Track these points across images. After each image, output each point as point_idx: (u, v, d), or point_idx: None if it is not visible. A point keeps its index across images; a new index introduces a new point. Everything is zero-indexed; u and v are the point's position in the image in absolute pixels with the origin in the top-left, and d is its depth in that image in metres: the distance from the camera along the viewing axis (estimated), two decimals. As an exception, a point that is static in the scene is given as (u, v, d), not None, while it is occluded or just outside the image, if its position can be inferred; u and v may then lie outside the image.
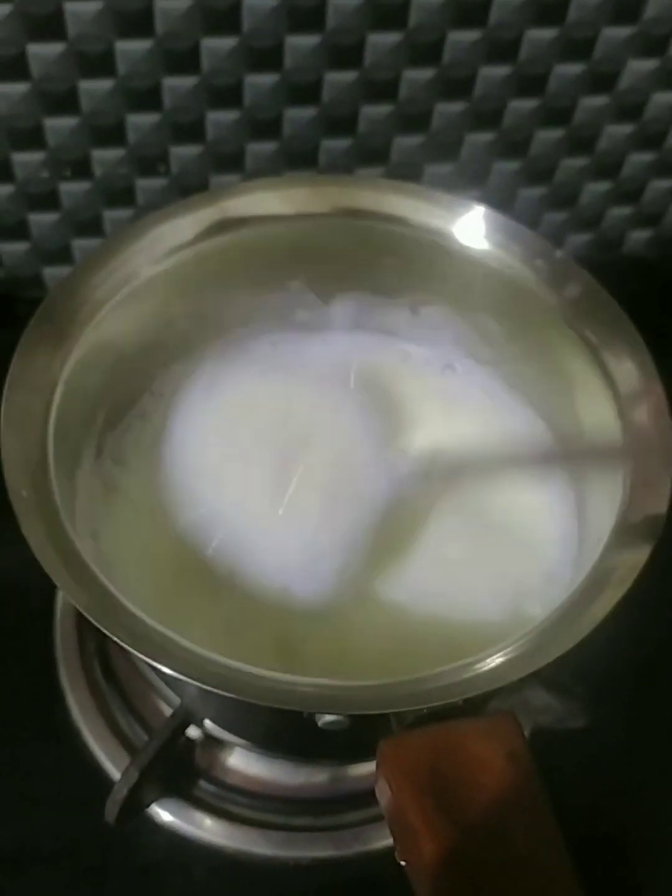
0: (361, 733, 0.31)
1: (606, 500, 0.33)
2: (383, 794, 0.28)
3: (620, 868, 0.42)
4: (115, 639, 0.29)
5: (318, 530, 0.38)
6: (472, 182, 0.60)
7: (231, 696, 0.28)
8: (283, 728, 0.36)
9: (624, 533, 0.32)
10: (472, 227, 0.40)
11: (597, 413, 0.36)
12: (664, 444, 0.33)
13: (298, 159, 0.57)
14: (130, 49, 0.49)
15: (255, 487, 0.39)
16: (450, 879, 0.26)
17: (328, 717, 0.30)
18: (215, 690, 0.28)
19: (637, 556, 0.31)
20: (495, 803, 0.27)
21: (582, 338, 0.36)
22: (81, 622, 0.46)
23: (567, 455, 0.40)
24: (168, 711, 0.42)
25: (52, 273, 0.60)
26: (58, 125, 0.52)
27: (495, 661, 0.30)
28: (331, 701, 0.29)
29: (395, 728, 0.29)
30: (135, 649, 0.29)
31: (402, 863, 0.28)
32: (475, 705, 0.30)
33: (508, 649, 0.30)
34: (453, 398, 0.43)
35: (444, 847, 0.26)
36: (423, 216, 0.40)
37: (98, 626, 0.29)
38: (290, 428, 0.41)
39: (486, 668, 0.29)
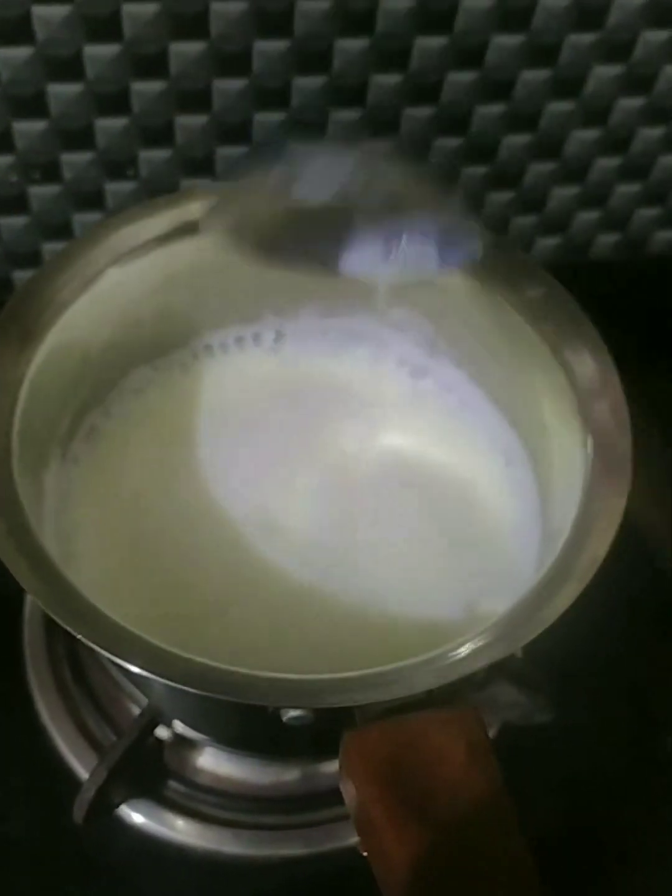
0: (327, 729, 0.31)
1: (567, 496, 0.34)
2: (346, 787, 0.29)
3: (588, 857, 0.43)
4: (80, 636, 0.29)
5: (285, 529, 0.38)
6: (441, 186, 0.61)
7: (195, 691, 0.29)
8: (250, 725, 0.36)
9: (585, 527, 0.32)
10: (434, 228, 0.40)
11: (559, 410, 0.36)
12: (623, 439, 0.34)
13: (268, 163, 0.57)
14: (99, 53, 0.49)
15: (223, 488, 0.40)
16: (411, 870, 0.26)
17: (293, 712, 0.30)
18: (179, 686, 0.29)
19: (598, 549, 0.31)
20: (456, 795, 0.27)
21: (543, 337, 0.37)
22: (50, 624, 0.46)
23: (530, 451, 0.40)
24: (137, 712, 0.42)
25: (22, 277, 0.60)
26: (27, 129, 0.52)
27: (458, 653, 0.30)
28: (294, 695, 0.29)
29: (359, 722, 0.30)
30: (99, 647, 0.29)
31: (364, 854, 0.29)
32: (440, 700, 0.31)
33: (471, 642, 0.30)
34: (419, 398, 0.43)
35: (405, 839, 0.26)
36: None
37: (62, 623, 0.29)
38: (259, 428, 0.41)
39: (448, 661, 0.30)
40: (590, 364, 0.36)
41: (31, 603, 0.47)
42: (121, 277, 0.38)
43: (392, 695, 0.29)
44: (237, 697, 0.29)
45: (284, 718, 0.30)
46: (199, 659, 0.29)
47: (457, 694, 0.33)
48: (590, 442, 0.34)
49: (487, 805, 0.27)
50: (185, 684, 0.29)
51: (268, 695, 0.29)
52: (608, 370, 0.35)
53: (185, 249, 0.40)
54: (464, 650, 0.30)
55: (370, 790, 0.27)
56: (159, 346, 0.43)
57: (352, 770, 0.28)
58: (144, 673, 0.29)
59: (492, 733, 0.44)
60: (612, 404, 0.35)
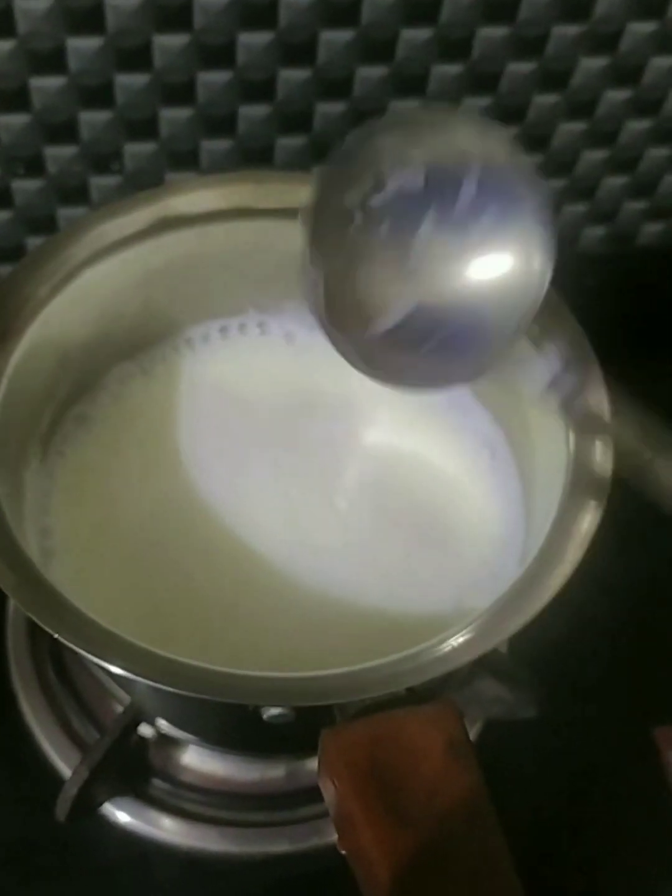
0: (308, 727, 0.31)
1: (550, 491, 0.34)
2: (325, 784, 0.29)
3: (569, 853, 0.43)
4: (59, 637, 0.29)
5: (267, 524, 0.38)
6: (427, 179, 0.61)
7: (174, 690, 0.28)
8: (232, 723, 0.36)
9: (567, 521, 0.32)
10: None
11: (539, 400, 0.36)
12: (605, 435, 0.33)
13: (253, 157, 0.57)
14: (82, 46, 0.49)
15: (205, 484, 0.39)
16: (389, 869, 0.26)
17: (273, 710, 0.30)
18: (158, 685, 0.29)
19: (579, 544, 0.31)
20: (435, 791, 0.27)
21: (527, 333, 0.37)
22: (33, 623, 0.45)
23: (514, 447, 0.40)
24: (120, 711, 0.42)
25: (6, 271, 0.59)
26: (10, 122, 0.52)
27: (438, 650, 0.30)
28: (273, 693, 0.29)
29: (339, 720, 0.30)
30: (78, 647, 0.29)
31: (343, 852, 0.28)
32: (421, 697, 0.31)
33: (451, 638, 0.30)
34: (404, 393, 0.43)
35: (383, 836, 0.26)
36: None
37: (43, 625, 0.29)
38: (241, 423, 0.41)
39: (428, 658, 0.30)
40: (572, 359, 0.35)
41: (14, 603, 0.46)
42: (101, 273, 0.38)
43: (372, 692, 0.29)
44: (217, 696, 0.29)
45: (265, 716, 0.30)
46: (178, 658, 0.29)
47: (439, 690, 0.33)
48: (572, 439, 0.34)
49: (466, 802, 0.27)
50: (164, 684, 0.29)
51: (247, 694, 0.29)
52: (590, 365, 0.35)
53: (165, 244, 0.39)
54: (445, 646, 0.30)
55: (348, 787, 0.27)
56: (141, 341, 0.43)
57: (330, 767, 0.28)
58: (124, 673, 0.29)
59: (476, 729, 0.44)
60: (594, 400, 0.34)
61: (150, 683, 0.28)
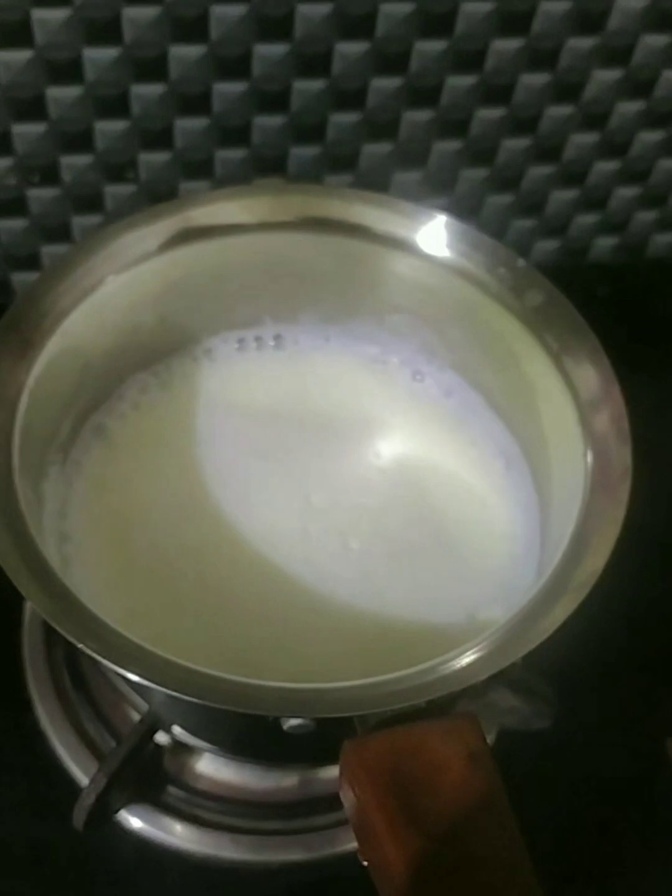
0: (327, 737, 0.31)
1: (567, 505, 0.34)
2: (347, 795, 0.29)
3: (588, 861, 0.43)
4: (81, 646, 0.29)
5: (285, 534, 0.38)
6: (439, 190, 0.61)
7: (197, 701, 0.29)
8: (250, 733, 0.37)
9: (584, 537, 0.32)
10: (436, 237, 0.40)
11: (558, 418, 0.36)
12: (622, 450, 0.34)
13: (267, 167, 0.57)
14: (98, 56, 0.49)
15: (224, 494, 0.40)
16: (411, 879, 0.26)
17: (293, 721, 0.30)
18: (181, 695, 0.29)
19: (597, 560, 0.31)
20: (456, 804, 0.27)
21: (543, 344, 0.37)
22: (50, 631, 0.46)
23: (530, 460, 0.40)
24: (136, 718, 0.42)
25: (21, 279, 0.60)
26: (26, 132, 0.52)
27: (458, 663, 0.30)
28: (295, 704, 0.29)
29: (359, 731, 0.30)
30: (100, 656, 0.29)
31: (365, 863, 0.29)
32: (439, 708, 0.31)
33: (471, 652, 0.30)
34: (420, 405, 0.43)
35: (405, 847, 0.26)
36: (389, 226, 0.40)
37: (64, 634, 0.29)
38: (258, 433, 0.41)
39: (448, 671, 0.30)
40: (590, 373, 0.36)
41: (31, 610, 0.47)
42: (121, 284, 0.38)
43: (392, 704, 0.29)
44: (237, 707, 0.29)
45: (285, 727, 0.30)
46: (199, 668, 0.29)
47: (456, 702, 0.33)
48: (590, 453, 0.34)
49: (488, 813, 0.27)
50: (184, 694, 0.29)
51: (268, 704, 0.29)
52: (609, 380, 0.35)
53: (184, 256, 0.40)
54: (464, 660, 0.30)
55: (370, 798, 0.27)
56: (159, 352, 0.43)
57: (352, 778, 0.28)
58: (144, 682, 0.29)
59: (490, 739, 0.44)
60: (612, 415, 0.35)
61: (175, 694, 0.28)
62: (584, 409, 0.35)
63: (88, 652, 0.29)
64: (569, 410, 0.35)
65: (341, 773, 0.29)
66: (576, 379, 0.36)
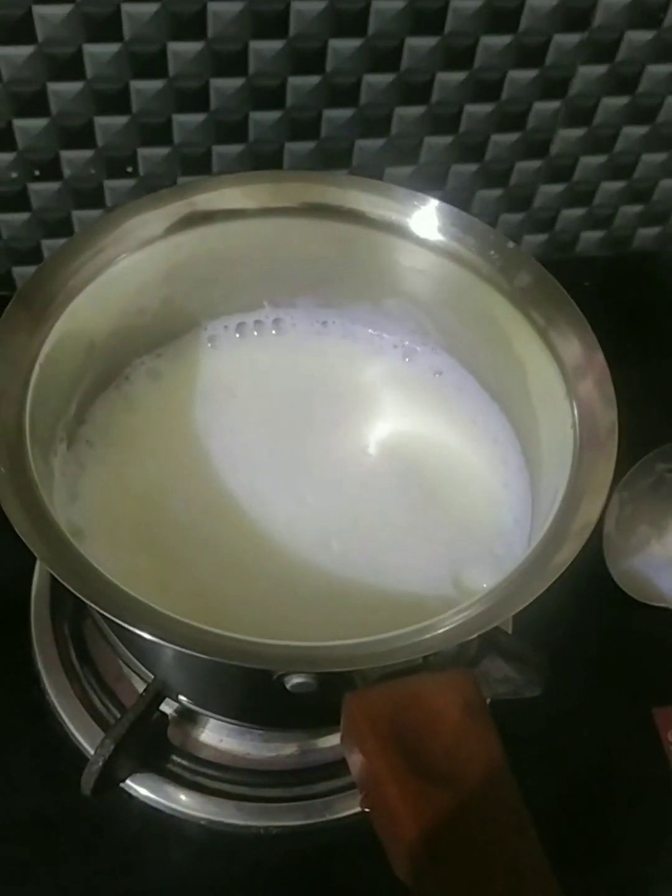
0: (328, 697, 0.32)
1: (556, 473, 0.35)
2: (348, 744, 0.30)
3: (576, 827, 0.44)
4: (92, 605, 0.30)
5: (284, 506, 0.39)
6: (431, 183, 0.62)
7: (207, 657, 0.30)
8: (254, 695, 0.38)
9: (573, 500, 0.34)
10: (429, 221, 0.41)
11: (547, 390, 0.38)
12: (608, 414, 0.35)
13: (264, 161, 0.58)
14: (99, 52, 0.51)
15: (225, 467, 0.41)
16: (414, 822, 0.27)
17: (297, 679, 0.31)
18: (192, 652, 0.30)
19: (587, 520, 0.33)
20: (454, 749, 0.28)
21: (530, 320, 0.38)
22: (56, 606, 0.47)
23: (520, 433, 0.42)
24: (140, 690, 0.43)
25: (23, 272, 0.61)
26: (27, 126, 0.53)
27: (454, 620, 0.31)
28: (298, 660, 0.30)
29: (359, 687, 0.31)
30: (112, 615, 0.30)
31: (366, 809, 0.30)
32: (436, 667, 0.32)
33: (466, 610, 0.32)
34: (414, 384, 0.45)
35: (407, 791, 0.28)
36: (384, 211, 0.41)
37: (75, 592, 0.30)
38: (258, 411, 0.43)
39: (446, 628, 0.31)
40: (574, 343, 0.37)
41: (38, 586, 0.48)
42: (127, 267, 0.39)
43: (392, 659, 0.30)
44: (245, 662, 0.30)
45: (288, 685, 0.31)
46: (207, 627, 0.31)
47: (452, 662, 0.34)
48: (577, 416, 0.36)
49: (484, 758, 0.28)
50: (195, 651, 0.30)
51: (275, 660, 0.30)
52: (592, 347, 0.37)
53: (188, 240, 0.41)
54: (460, 617, 0.31)
55: (372, 746, 0.29)
56: (162, 335, 0.44)
57: (353, 727, 0.29)
58: (157, 640, 0.30)
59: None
60: (596, 379, 0.36)
61: (187, 651, 0.30)
62: (570, 377, 0.37)
63: (103, 612, 0.30)
64: (556, 381, 0.37)
65: (343, 724, 0.30)
66: (561, 350, 0.37)
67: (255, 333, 0.46)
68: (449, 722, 0.29)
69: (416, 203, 0.41)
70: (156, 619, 0.31)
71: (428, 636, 0.31)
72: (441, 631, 0.31)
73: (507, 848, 0.27)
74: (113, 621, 0.31)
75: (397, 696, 0.29)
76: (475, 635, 0.31)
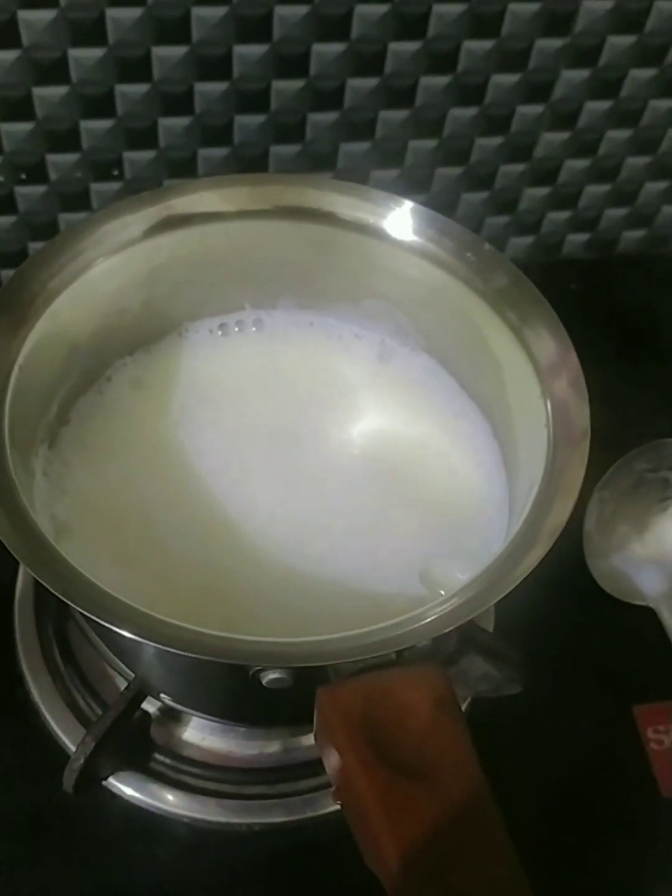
0: (306, 693, 0.33)
1: (532, 469, 0.36)
2: (321, 739, 0.30)
3: (557, 830, 0.45)
4: (68, 601, 0.31)
5: (263, 504, 0.40)
6: (416, 187, 0.63)
7: (180, 652, 0.30)
8: (232, 693, 0.38)
9: (548, 495, 0.34)
10: (405, 223, 0.42)
11: (522, 389, 0.38)
12: (582, 411, 0.35)
13: (249, 165, 0.59)
14: (84, 57, 0.51)
15: (206, 467, 0.41)
16: (383, 813, 0.28)
17: (272, 675, 0.31)
18: (164, 647, 0.30)
19: (560, 515, 0.33)
20: (423, 743, 0.29)
21: (505, 320, 0.39)
22: (40, 606, 0.48)
23: (498, 432, 0.42)
24: (123, 688, 0.44)
25: (10, 276, 0.61)
26: (13, 130, 0.54)
27: (427, 616, 0.32)
28: (272, 656, 0.31)
29: (333, 682, 0.31)
30: (89, 612, 0.31)
31: (339, 803, 0.30)
32: (410, 663, 0.32)
33: (439, 605, 0.32)
34: (394, 384, 0.45)
35: (375, 784, 0.28)
36: (361, 213, 0.42)
37: (50, 588, 0.31)
38: (238, 410, 0.43)
39: (418, 623, 0.31)
40: (548, 342, 0.38)
41: (22, 587, 0.48)
42: (106, 269, 0.40)
43: (365, 654, 0.31)
44: (219, 658, 0.30)
45: (264, 681, 0.32)
46: (183, 624, 0.31)
47: (430, 658, 0.34)
48: (551, 416, 0.36)
49: (453, 751, 0.29)
50: (172, 646, 0.30)
51: (249, 655, 0.31)
52: (565, 345, 0.37)
53: (167, 243, 0.41)
54: (432, 613, 0.32)
55: (343, 739, 0.29)
56: (145, 335, 0.45)
57: (325, 721, 0.30)
58: (134, 637, 0.30)
59: (464, 706, 0.45)
60: (570, 378, 0.37)
61: (162, 647, 0.30)
62: (545, 376, 0.37)
63: (80, 610, 0.31)
64: (532, 381, 0.37)
65: (316, 718, 0.31)
66: (536, 349, 0.38)
67: (237, 332, 0.46)
68: (420, 716, 0.29)
69: (392, 205, 0.42)
70: (131, 615, 0.31)
71: (400, 632, 0.31)
72: (412, 627, 0.31)
73: (475, 840, 0.28)
74: (90, 618, 0.31)
75: (369, 691, 0.30)
76: (447, 630, 0.31)
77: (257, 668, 0.31)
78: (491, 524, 0.39)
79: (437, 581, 0.38)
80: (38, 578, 0.31)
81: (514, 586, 0.32)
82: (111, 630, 0.30)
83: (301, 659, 0.31)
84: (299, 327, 0.46)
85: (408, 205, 0.41)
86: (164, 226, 0.41)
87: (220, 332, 0.46)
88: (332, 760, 0.30)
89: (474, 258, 0.40)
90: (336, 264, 0.44)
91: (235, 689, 0.37)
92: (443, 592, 0.33)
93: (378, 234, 0.42)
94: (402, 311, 0.44)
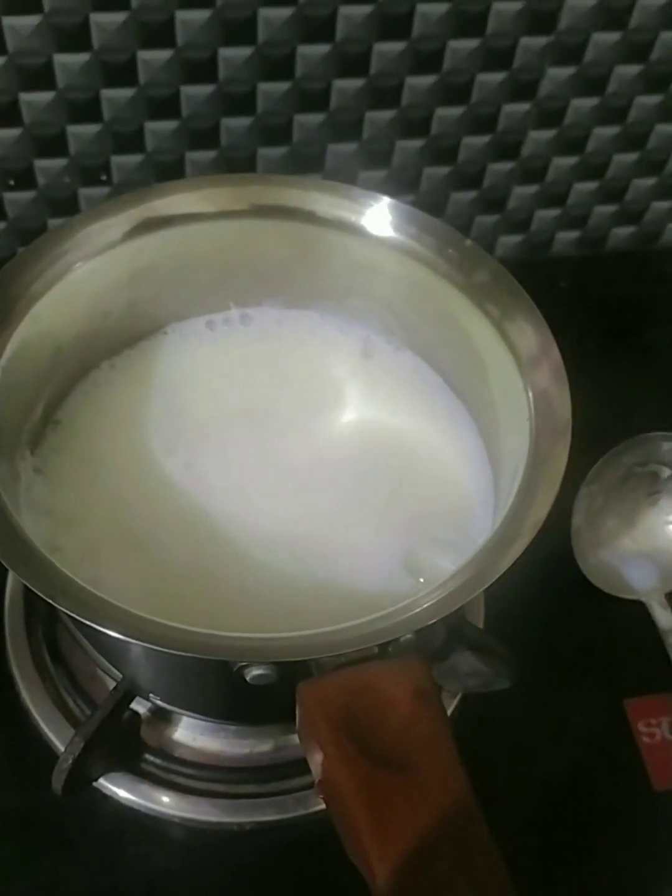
0: (291, 690, 0.33)
1: (515, 462, 0.36)
2: (303, 733, 0.31)
3: (550, 825, 0.45)
4: (57, 605, 0.31)
5: (254, 500, 0.40)
6: (404, 187, 0.63)
7: (162, 649, 0.30)
8: (219, 691, 0.38)
9: (531, 487, 0.34)
10: (385, 220, 0.42)
11: (505, 382, 0.38)
12: (563, 402, 0.36)
13: (236, 167, 0.59)
14: (69, 62, 0.51)
15: (192, 467, 0.41)
16: (363, 805, 0.28)
17: (255, 671, 0.31)
18: (146, 644, 0.30)
19: (542, 507, 0.33)
20: (404, 735, 0.29)
21: (487, 314, 0.39)
22: (30, 608, 0.48)
23: (481, 426, 0.42)
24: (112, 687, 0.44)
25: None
26: (1, 137, 0.54)
27: (409, 610, 0.32)
28: (253, 651, 0.31)
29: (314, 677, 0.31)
30: (75, 614, 0.31)
31: (320, 796, 0.30)
32: (395, 656, 0.32)
33: (421, 598, 0.32)
34: (379, 380, 0.45)
35: (356, 776, 0.28)
36: (341, 211, 0.42)
37: (33, 588, 0.31)
38: (225, 409, 0.43)
39: (401, 617, 0.31)
40: (529, 333, 0.38)
41: (11, 590, 0.48)
42: (89, 271, 0.40)
43: (346, 648, 0.31)
44: (201, 654, 0.30)
45: (248, 677, 0.32)
46: (166, 621, 0.31)
47: (412, 652, 0.35)
48: (533, 410, 0.36)
49: (433, 743, 0.29)
50: (154, 644, 0.30)
51: (229, 651, 0.31)
52: (545, 336, 0.38)
53: (148, 245, 0.41)
54: (415, 607, 0.32)
55: (324, 732, 0.29)
56: (130, 336, 0.45)
57: (307, 715, 0.30)
58: (118, 636, 0.30)
59: (454, 704, 0.46)
60: (551, 368, 0.37)
61: (143, 644, 0.30)
62: (526, 368, 0.37)
63: (65, 610, 0.31)
64: (514, 375, 0.37)
65: (297, 712, 0.31)
66: (517, 342, 0.38)
67: (223, 331, 0.46)
68: (400, 709, 0.29)
69: (371, 202, 0.42)
70: (113, 613, 0.31)
71: (381, 626, 0.31)
72: (393, 621, 0.31)
73: (455, 833, 0.28)
74: (73, 618, 0.31)
75: (351, 684, 0.30)
76: (428, 623, 0.31)
77: (241, 664, 0.31)
78: (476, 517, 0.40)
79: (423, 575, 0.38)
80: (20, 578, 0.31)
81: (496, 578, 0.32)
82: (95, 629, 0.31)
83: (283, 654, 0.31)
84: (284, 326, 0.46)
85: (387, 201, 0.42)
86: (145, 227, 0.41)
87: (207, 328, 0.46)
88: (314, 755, 0.30)
89: (455, 254, 0.40)
90: (318, 263, 0.44)
91: (221, 687, 0.37)
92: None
93: (359, 232, 0.42)
94: (385, 308, 0.44)
